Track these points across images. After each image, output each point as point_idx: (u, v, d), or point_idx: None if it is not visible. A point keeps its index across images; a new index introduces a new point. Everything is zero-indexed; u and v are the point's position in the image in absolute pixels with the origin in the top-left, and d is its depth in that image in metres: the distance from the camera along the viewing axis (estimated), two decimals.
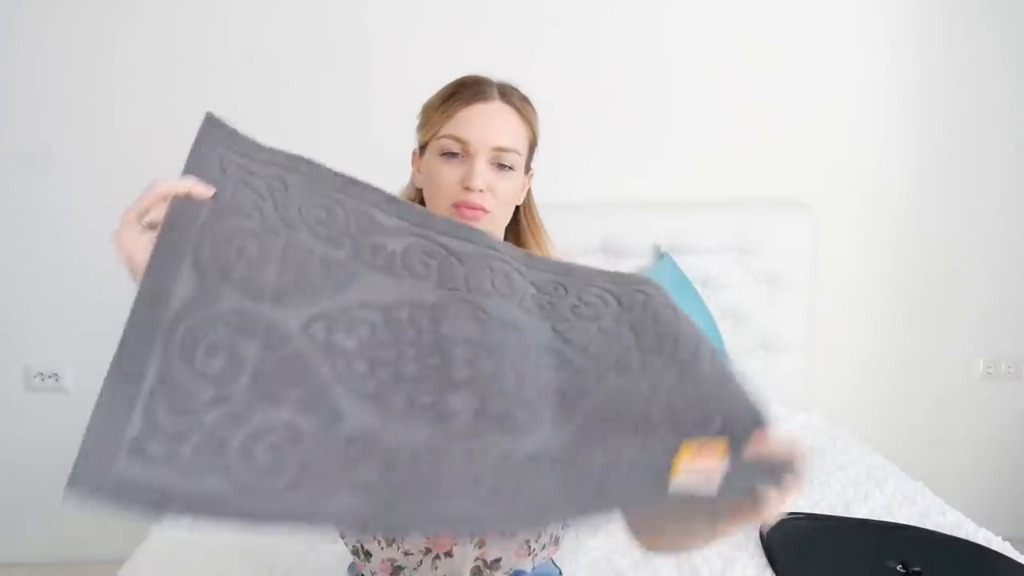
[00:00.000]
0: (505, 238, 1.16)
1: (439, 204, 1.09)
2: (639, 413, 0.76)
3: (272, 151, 0.86)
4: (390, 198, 0.87)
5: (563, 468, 0.71)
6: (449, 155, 1.08)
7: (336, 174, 0.87)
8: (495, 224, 1.11)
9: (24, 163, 2.22)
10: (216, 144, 0.86)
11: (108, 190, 2.24)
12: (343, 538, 1.24)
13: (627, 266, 2.26)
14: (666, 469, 0.70)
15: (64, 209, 2.25)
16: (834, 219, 2.36)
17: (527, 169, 1.15)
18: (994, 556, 1.41)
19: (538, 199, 2.42)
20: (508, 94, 1.11)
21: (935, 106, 2.37)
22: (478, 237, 0.88)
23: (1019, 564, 1.38)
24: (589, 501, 0.69)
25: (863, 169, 2.39)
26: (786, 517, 1.53)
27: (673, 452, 0.72)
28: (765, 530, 1.48)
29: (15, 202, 2.25)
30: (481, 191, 1.06)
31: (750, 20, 2.30)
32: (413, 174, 1.16)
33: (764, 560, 1.40)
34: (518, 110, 1.11)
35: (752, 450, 0.73)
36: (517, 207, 1.17)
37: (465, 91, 1.09)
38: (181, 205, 0.79)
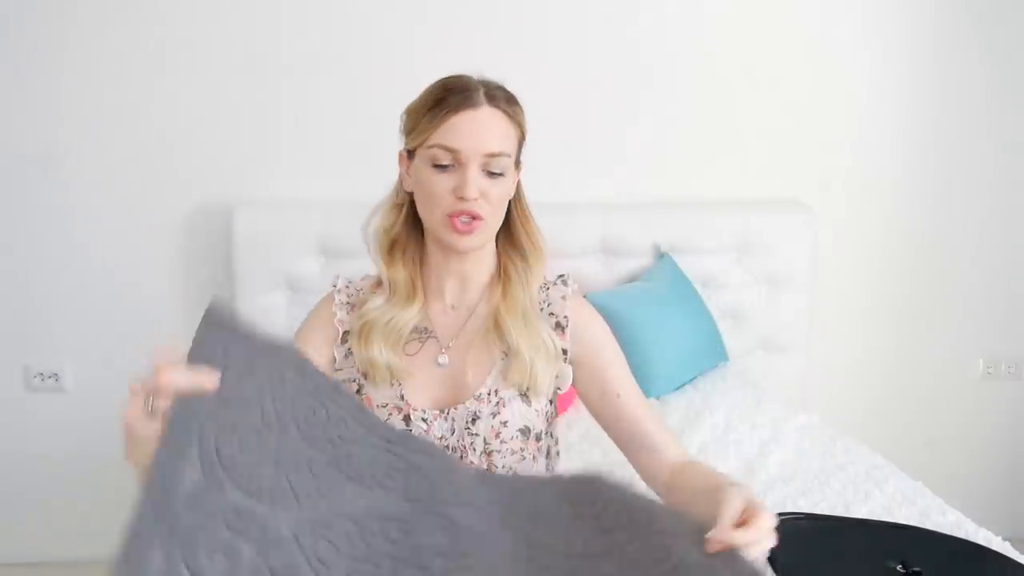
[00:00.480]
0: (498, 234, 1.16)
1: (433, 214, 1.08)
2: None
3: (271, 342, 0.85)
4: (361, 408, 0.87)
5: None
6: (440, 165, 1.06)
7: (321, 374, 0.87)
8: (489, 229, 1.11)
9: (27, 164, 2.22)
10: (220, 329, 0.84)
11: (110, 191, 2.26)
12: None
13: (627, 266, 2.27)
14: None
15: (65, 210, 2.25)
16: (834, 219, 2.36)
17: (516, 164, 1.14)
18: (994, 556, 1.41)
19: (538, 199, 2.42)
20: (495, 96, 1.09)
21: (935, 106, 2.37)
22: (439, 453, 0.89)
23: (1019, 564, 1.38)
24: None
25: (863, 169, 2.39)
26: (786, 517, 1.53)
27: None
28: None
29: (17, 203, 2.25)
30: (475, 199, 1.05)
31: (750, 21, 2.30)
32: (402, 176, 1.15)
33: (764, 560, 1.40)
34: (506, 112, 1.10)
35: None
36: (508, 201, 1.15)
37: (452, 97, 1.06)
38: (185, 403, 0.78)
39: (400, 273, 1.14)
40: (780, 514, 1.53)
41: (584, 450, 1.83)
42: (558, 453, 1.23)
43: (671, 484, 1.07)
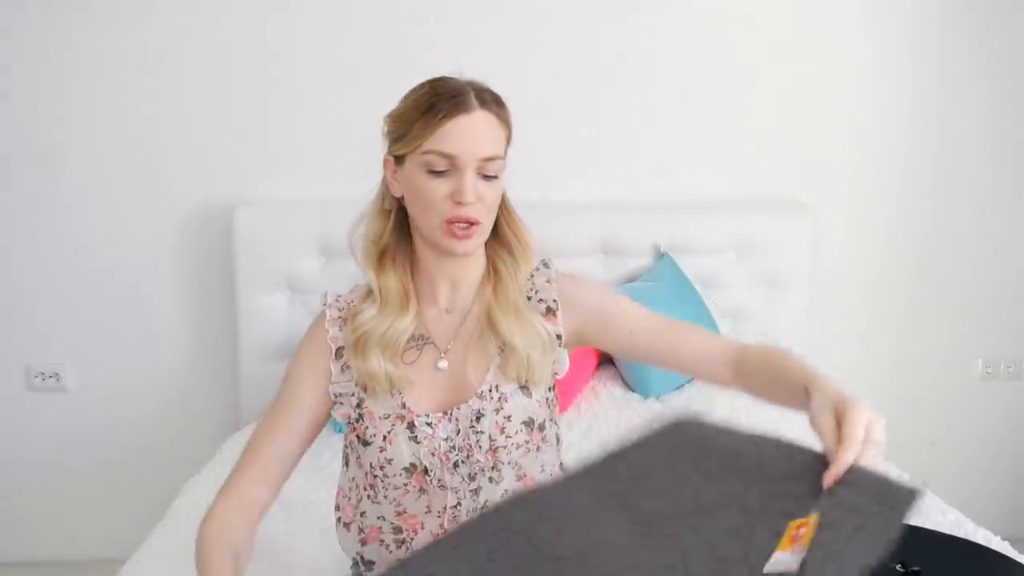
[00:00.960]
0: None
1: (430, 220, 1.08)
2: (739, 536, 0.79)
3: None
4: (431, 548, 0.87)
5: None
6: (435, 171, 1.06)
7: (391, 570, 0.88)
8: (485, 232, 1.11)
9: (29, 164, 2.23)
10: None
11: (110, 191, 2.26)
12: (342, 547, 1.25)
13: (627, 266, 2.27)
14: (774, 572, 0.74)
15: (65, 210, 2.25)
16: (834, 219, 2.36)
17: (505, 162, 1.14)
18: (994, 556, 1.41)
19: (539, 199, 2.43)
20: (485, 99, 1.08)
21: (935, 106, 2.37)
22: (523, 501, 0.89)
23: (1019, 564, 1.38)
24: None
25: (863, 169, 2.39)
26: None
27: (772, 547, 0.76)
28: None
29: (18, 202, 2.25)
30: (472, 204, 1.05)
31: (750, 21, 2.30)
32: (389, 182, 1.13)
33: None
34: (496, 115, 1.09)
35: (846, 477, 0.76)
36: None
37: (444, 103, 1.05)
38: None
39: (391, 281, 1.13)
40: None
41: (584, 450, 1.83)
42: (559, 438, 1.24)
43: (741, 383, 1.10)
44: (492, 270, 1.17)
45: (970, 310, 2.48)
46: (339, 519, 1.23)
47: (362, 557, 1.19)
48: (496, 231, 1.15)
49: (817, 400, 0.85)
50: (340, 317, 1.16)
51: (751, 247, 2.28)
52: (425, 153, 1.05)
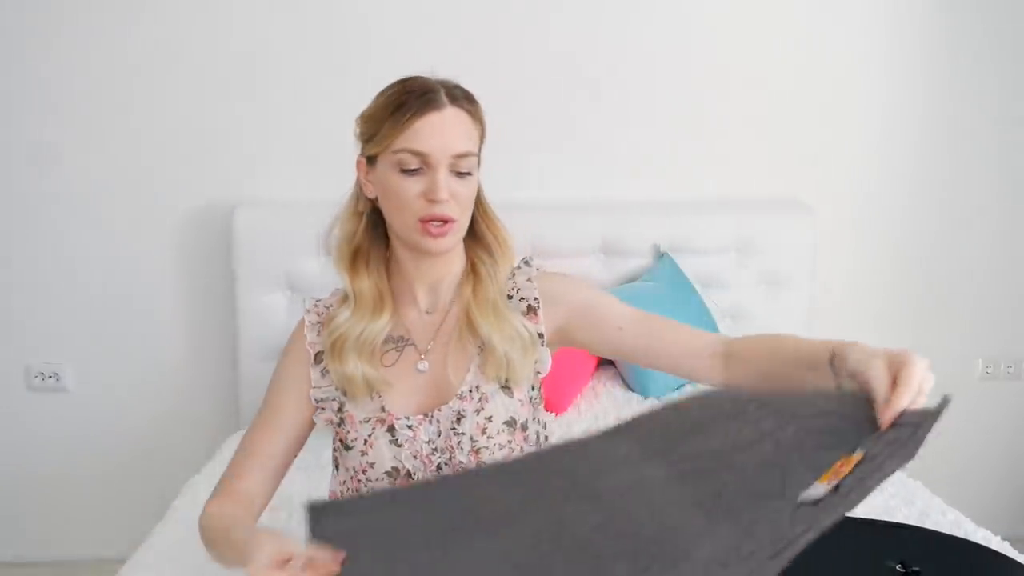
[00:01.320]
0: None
1: (404, 219, 1.07)
2: (776, 468, 0.81)
3: (369, 500, 0.97)
4: (468, 476, 0.97)
5: (736, 559, 0.76)
6: (408, 170, 1.05)
7: (416, 489, 0.98)
8: (461, 229, 1.10)
9: (27, 163, 2.23)
10: (326, 525, 0.90)
11: (110, 191, 2.26)
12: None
13: (627, 266, 2.27)
14: (808, 499, 0.76)
15: (66, 209, 2.25)
16: (834, 219, 2.36)
17: (479, 163, 1.13)
18: (994, 556, 1.41)
19: (539, 200, 2.43)
20: (456, 96, 1.08)
21: (935, 106, 2.37)
22: (564, 448, 0.95)
23: (1019, 564, 1.38)
24: (762, 571, 0.75)
25: (863, 169, 2.39)
26: None
27: (810, 483, 0.78)
28: None
29: (17, 202, 2.25)
30: (446, 201, 1.05)
31: (750, 20, 2.30)
32: (362, 183, 1.13)
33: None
34: (468, 111, 1.09)
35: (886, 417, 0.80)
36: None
37: (414, 100, 1.05)
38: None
39: (364, 284, 1.12)
40: None
41: None
42: (547, 438, 1.22)
43: (735, 374, 1.05)
44: (471, 270, 1.16)
45: (970, 310, 2.48)
46: None
47: None
48: (473, 230, 1.15)
49: (859, 354, 0.85)
50: (319, 322, 1.16)
51: (751, 247, 2.28)
52: (396, 152, 1.05)
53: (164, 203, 2.26)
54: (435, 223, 1.05)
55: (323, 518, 0.92)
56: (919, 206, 2.42)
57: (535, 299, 1.16)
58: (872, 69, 2.35)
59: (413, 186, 1.05)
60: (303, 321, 1.17)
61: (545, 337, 1.16)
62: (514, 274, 1.19)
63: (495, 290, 1.14)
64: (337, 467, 1.20)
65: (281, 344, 2.27)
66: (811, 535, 0.75)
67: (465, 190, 1.07)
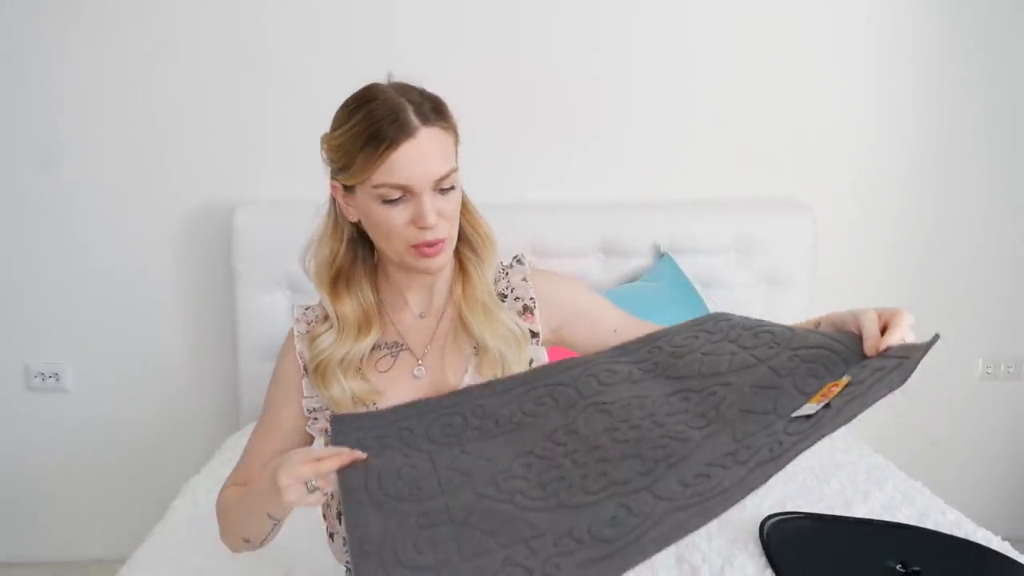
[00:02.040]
0: None
1: (395, 247, 1.05)
2: (769, 390, 0.92)
3: (391, 411, 1.06)
4: (484, 387, 1.07)
5: (733, 463, 0.85)
6: (390, 200, 1.02)
7: (439, 399, 1.06)
8: (452, 242, 1.09)
9: (28, 163, 2.23)
10: (348, 433, 1.03)
11: (110, 191, 2.26)
12: (334, 555, 1.24)
13: (627, 266, 2.27)
14: (800, 415, 0.87)
15: (65, 210, 2.25)
16: (834, 219, 2.36)
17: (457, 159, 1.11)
18: (994, 556, 1.41)
19: (538, 199, 2.42)
20: (425, 114, 1.03)
21: (934, 106, 2.37)
22: (570, 363, 1.06)
23: (1019, 564, 1.38)
24: (760, 472, 0.84)
25: (862, 169, 2.39)
26: (785, 517, 1.53)
27: (802, 403, 0.88)
28: (765, 530, 1.48)
29: (18, 201, 2.25)
30: (434, 225, 1.03)
31: (749, 21, 2.30)
32: (342, 207, 1.11)
33: (763, 559, 1.40)
34: (440, 127, 1.04)
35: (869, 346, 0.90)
36: None
37: (387, 129, 1.00)
38: (346, 472, 0.95)
39: (347, 307, 1.10)
40: (780, 514, 1.54)
41: None
42: None
43: None
44: (459, 268, 1.15)
45: (970, 310, 2.48)
46: (326, 528, 1.22)
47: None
48: (460, 228, 1.13)
49: (852, 311, 0.94)
50: (308, 331, 1.14)
51: (751, 247, 2.28)
52: (376, 186, 1.01)
53: (164, 203, 2.26)
54: (426, 248, 1.04)
55: (345, 426, 1.02)
56: (918, 206, 2.42)
57: (531, 299, 1.16)
58: (871, 69, 2.35)
59: (399, 215, 1.03)
60: (292, 331, 1.16)
61: (540, 337, 1.15)
62: (507, 272, 1.18)
63: (484, 289, 1.13)
64: None
65: (280, 344, 2.27)
66: (805, 445, 0.85)
67: (450, 205, 1.05)
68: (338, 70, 2.22)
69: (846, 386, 0.86)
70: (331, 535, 1.21)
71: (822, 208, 2.32)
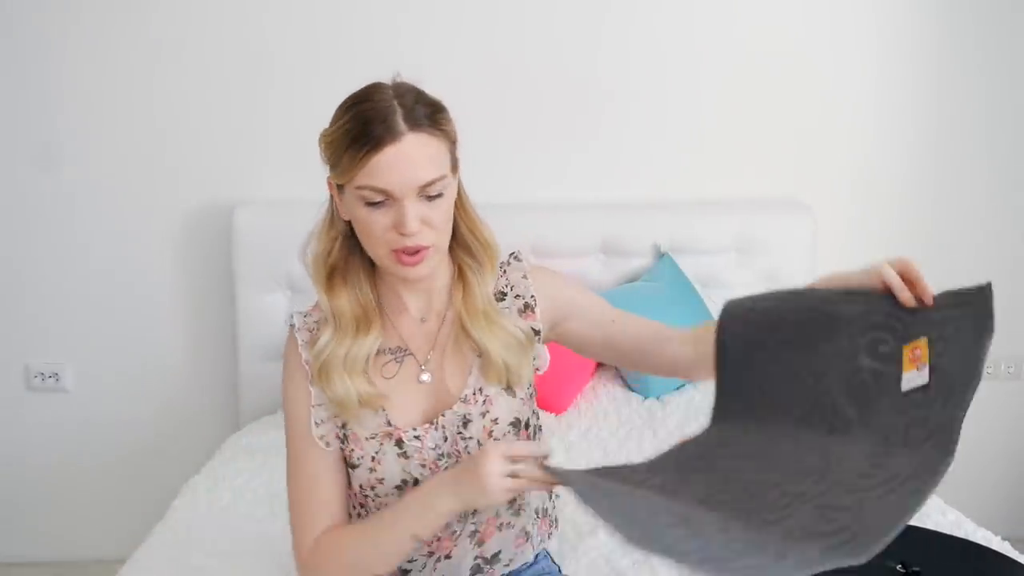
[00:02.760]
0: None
1: (376, 250, 1.03)
2: (861, 374, 0.94)
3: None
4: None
5: (892, 448, 0.86)
6: (373, 203, 1.00)
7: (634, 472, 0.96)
8: (439, 251, 1.06)
9: (28, 163, 2.23)
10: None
11: (110, 191, 2.26)
12: None
13: (627, 266, 2.27)
14: (912, 388, 0.89)
15: (65, 210, 2.25)
16: (833, 219, 2.35)
17: (456, 164, 1.08)
18: (994, 556, 1.41)
19: (538, 199, 2.42)
20: (415, 119, 1.00)
21: (934, 106, 2.37)
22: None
23: (1019, 564, 1.38)
24: (931, 450, 0.84)
25: (862, 169, 2.39)
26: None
27: (896, 376, 0.91)
28: None
29: (18, 201, 2.25)
30: (416, 233, 1.00)
31: (750, 21, 2.30)
32: (336, 204, 1.09)
33: None
34: (430, 132, 1.01)
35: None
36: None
37: (372, 131, 0.98)
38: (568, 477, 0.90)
39: (343, 302, 1.08)
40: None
41: (584, 450, 1.83)
42: (540, 428, 1.21)
43: (703, 352, 1.08)
44: (459, 275, 1.13)
45: None
46: None
47: None
48: (457, 234, 1.10)
49: (863, 270, 1.01)
50: (311, 338, 1.11)
51: (751, 247, 2.28)
52: (359, 188, 1.00)
53: (164, 203, 2.26)
54: (407, 255, 1.01)
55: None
56: (918, 206, 2.42)
57: (531, 296, 1.15)
58: (871, 70, 2.35)
59: (380, 219, 1.00)
60: (294, 340, 1.12)
61: (542, 334, 1.15)
62: (505, 270, 1.17)
63: (484, 297, 1.11)
64: None
65: (281, 344, 2.26)
66: (954, 406, 0.86)
67: (438, 213, 1.02)
68: (339, 70, 2.22)
69: (928, 344, 0.90)
70: None
71: (822, 208, 2.32)
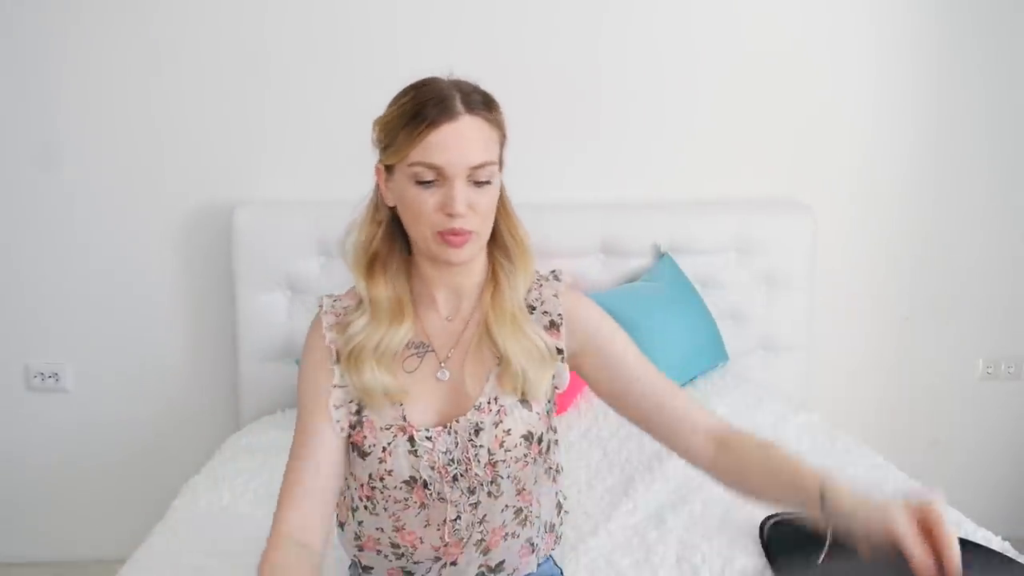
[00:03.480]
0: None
1: (422, 231, 1.04)
2: None
3: None
4: None
5: None
6: (424, 182, 1.02)
7: None
8: (481, 239, 1.07)
9: (28, 163, 2.23)
10: None
11: (110, 191, 2.26)
12: (341, 544, 1.24)
13: (627, 266, 2.27)
14: None
15: (65, 210, 2.25)
16: (833, 219, 2.36)
17: (502, 161, 1.10)
18: (994, 556, 1.41)
19: (539, 199, 2.42)
20: (472, 103, 1.03)
21: (934, 106, 2.37)
22: None
23: (1019, 564, 1.38)
24: None
25: (862, 169, 2.39)
26: (785, 517, 1.53)
27: None
28: (765, 530, 1.48)
29: (18, 202, 2.25)
30: (463, 215, 1.01)
31: (748, 21, 2.30)
32: (382, 191, 1.10)
33: (763, 559, 1.40)
34: (486, 118, 1.04)
35: None
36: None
37: (429, 110, 1.01)
38: None
39: (381, 291, 1.09)
40: (780, 514, 1.53)
41: (584, 450, 1.83)
42: (556, 442, 1.21)
43: (722, 463, 1.07)
44: (492, 275, 1.13)
45: (970, 310, 2.48)
46: (336, 518, 1.21)
47: (359, 561, 1.19)
48: (494, 234, 1.11)
49: (871, 506, 0.92)
50: (337, 323, 1.12)
51: (751, 247, 2.28)
52: (412, 164, 1.01)
53: (164, 203, 2.26)
54: (452, 236, 1.02)
55: None
56: (918, 206, 2.42)
57: (559, 315, 1.14)
58: (871, 69, 2.35)
59: (430, 198, 1.02)
60: (320, 321, 1.12)
61: (565, 353, 1.14)
62: (540, 285, 1.16)
63: (514, 300, 1.11)
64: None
65: (281, 344, 2.27)
66: None
67: (485, 200, 1.04)
68: (338, 70, 2.23)
69: None
70: (341, 525, 1.20)
71: (822, 208, 2.32)
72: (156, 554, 1.48)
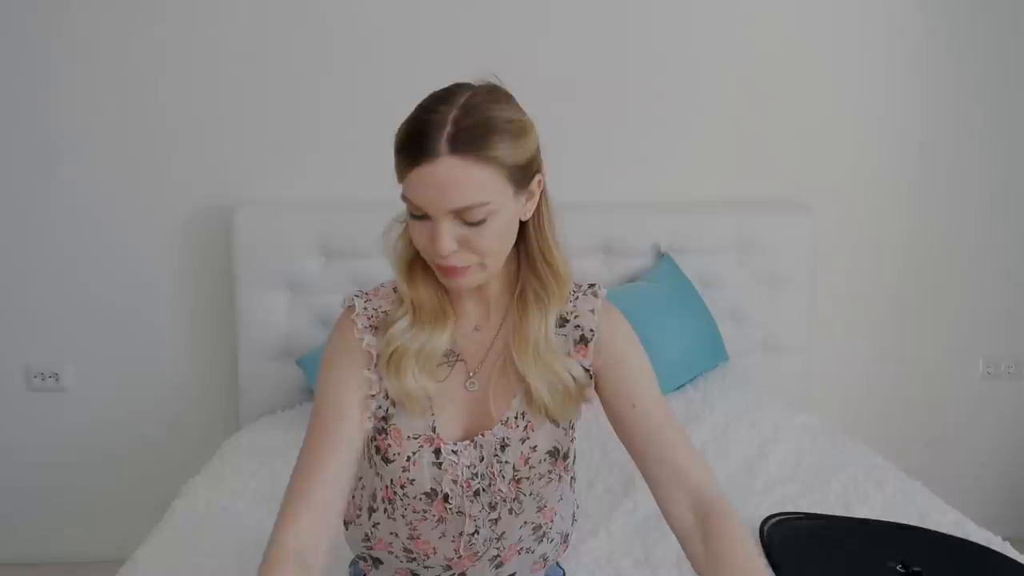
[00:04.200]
0: (520, 252, 1.06)
1: (428, 259, 1.00)
2: None
3: None
4: None
5: None
6: (416, 216, 0.96)
7: None
8: (485, 271, 1.00)
9: (28, 163, 2.23)
10: None
11: (110, 191, 2.26)
12: (346, 541, 1.24)
13: (627, 266, 2.27)
14: None
15: (66, 209, 2.25)
16: (834, 219, 2.36)
17: (528, 183, 1.02)
18: (994, 556, 1.41)
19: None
20: (459, 142, 0.91)
21: (935, 106, 2.37)
22: None
23: (1019, 564, 1.38)
24: None
25: (863, 169, 2.39)
26: (785, 517, 1.53)
27: None
28: (765, 530, 1.48)
29: (17, 202, 2.25)
30: (447, 256, 0.95)
31: (750, 21, 2.30)
32: None
33: (764, 560, 1.40)
34: (476, 157, 0.92)
35: None
36: (523, 222, 1.04)
37: (411, 147, 0.93)
38: None
39: (423, 293, 1.04)
40: (780, 514, 1.54)
41: (584, 450, 1.83)
42: (574, 451, 1.17)
43: (692, 548, 1.00)
44: (521, 293, 1.06)
45: (970, 310, 2.48)
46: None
47: (370, 555, 1.18)
48: (530, 254, 1.05)
49: None
50: (372, 325, 1.06)
51: (751, 247, 2.28)
52: (403, 197, 0.96)
53: (164, 203, 2.26)
54: (448, 269, 0.98)
55: None
56: (919, 206, 2.42)
57: (591, 331, 1.09)
58: (872, 69, 2.35)
59: (423, 232, 0.96)
60: (352, 322, 1.06)
61: (591, 369, 1.09)
62: (577, 297, 1.11)
63: (539, 330, 1.04)
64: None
65: (281, 344, 2.27)
66: None
67: (481, 239, 0.95)
68: (338, 72, 2.23)
69: None
70: (346, 524, 1.19)
71: (822, 208, 2.32)
72: (156, 554, 1.48)
